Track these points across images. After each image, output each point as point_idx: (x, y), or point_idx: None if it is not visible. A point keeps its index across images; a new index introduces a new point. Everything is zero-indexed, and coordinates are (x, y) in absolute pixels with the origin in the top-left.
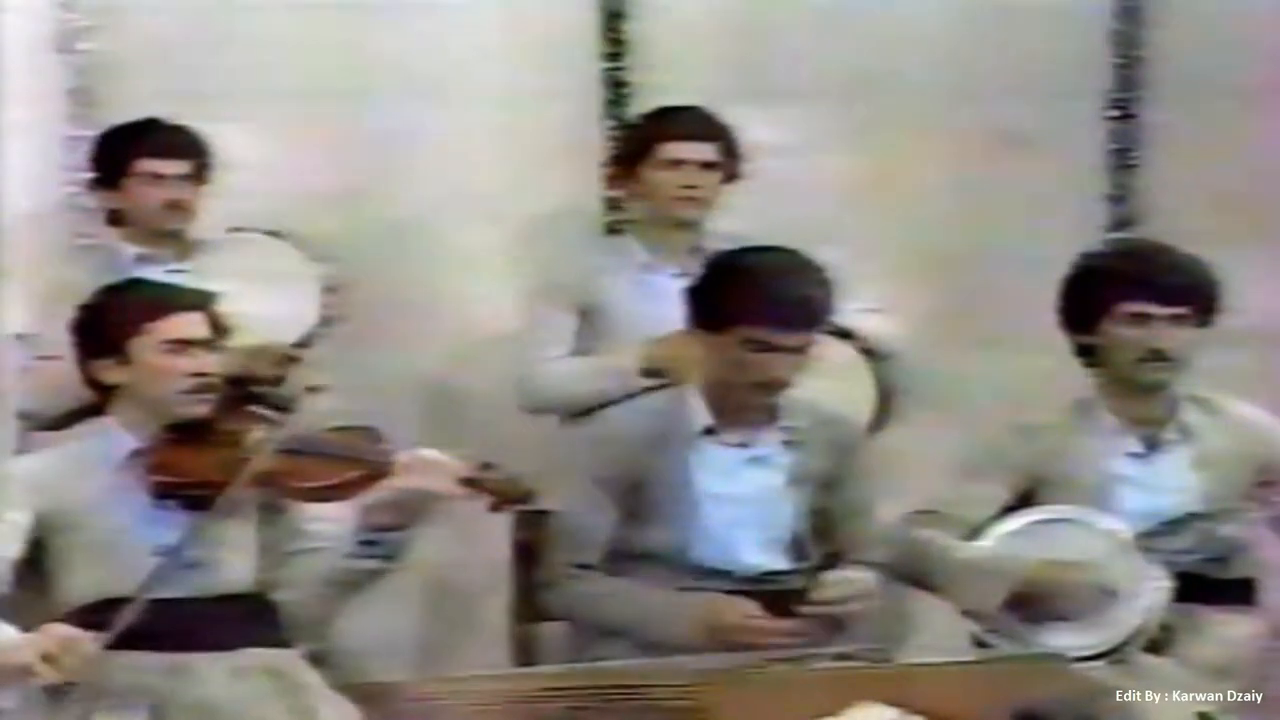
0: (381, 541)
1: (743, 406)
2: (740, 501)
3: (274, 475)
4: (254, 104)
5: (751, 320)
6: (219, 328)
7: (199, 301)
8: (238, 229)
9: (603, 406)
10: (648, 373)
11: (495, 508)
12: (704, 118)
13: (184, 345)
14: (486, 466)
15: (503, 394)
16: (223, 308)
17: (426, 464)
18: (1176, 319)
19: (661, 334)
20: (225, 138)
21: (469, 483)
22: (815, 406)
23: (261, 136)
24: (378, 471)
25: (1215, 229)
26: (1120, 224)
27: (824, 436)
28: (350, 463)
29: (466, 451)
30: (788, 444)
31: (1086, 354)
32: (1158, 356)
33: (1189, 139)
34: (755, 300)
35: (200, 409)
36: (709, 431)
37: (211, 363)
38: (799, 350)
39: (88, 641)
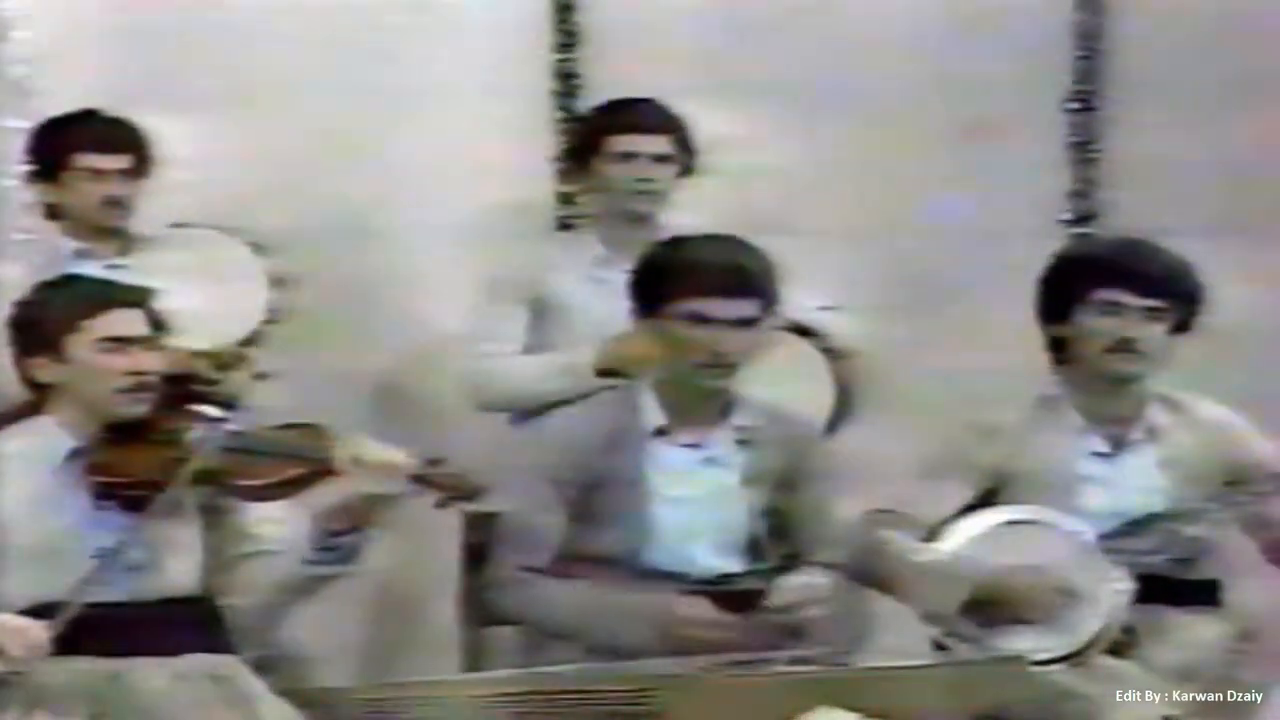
0: (336, 546)
1: (696, 404)
2: (693, 503)
3: (216, 474)
4: (195, 95)
5: (684, 293)
6: (158, 325)
7: (136, 298)
8: (182, 224)
9: (555, 405)
10: (603, 371)
11: (443, 504)
12: (656, 110)
13: (121, 343)
14: (434, 462)
15: (453, 391)
16: (165, 305)
17: (372, 460)
18: (1151, 311)
19: (615, 331)
20: (166, 130)
21: (417, 479)
22: (770, 405)
23: (203, 129)
24: (322, 468)
25: (1177, 221)
26: (1082, 217)
27: (779, 436)
28: (294, 460)
29: (415, 448)
30: (741, 443)
31: (1058, 348)
32: (1127, 346)
33: (1151, 131)
34: (686, 272)
35: (139, 408)
36: (661, 432)
37: (150, 361)
38: (741, 324)
39: (38, 630)
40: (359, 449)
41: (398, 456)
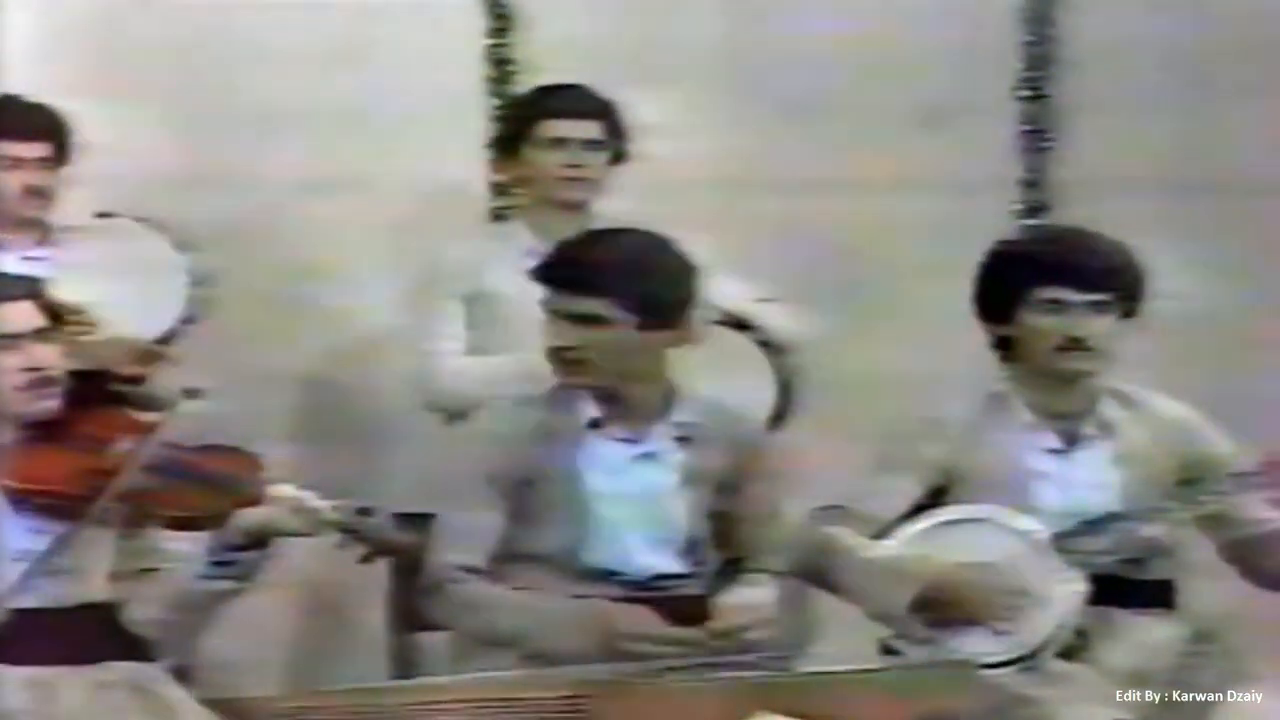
0: (233, 561)
1: (633, 399)
2: (630, 500)
3: (139, 496)
4: (119, 81)
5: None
6: (55, 317)
7: (23, 291)
8: (105, 214)
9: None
10: None
11: (367, 559)
12: (587, 95)
13: (9, 339)
14: (364, 511)
15: (382, 388)
16: (69, 296)
17: (297, 507)
18: (1095, 305)
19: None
20: (88, 117)
21: (342, 529)
22: (713, 402)
23: (127, 116)
24: (249, 504)
25: (1131, 213)
26: (1034, 208)
27: (722, 434)
28: (222, 493)
29: (343, 501)
30: (681, 440)
31: (1003, 346)
32: (1076, 345)
33: (1103, 118)
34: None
35: (44, 405)
36: (596, 425)
37: (46, 355)
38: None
39: None
40: (287, 497)
41: (323, 507)
